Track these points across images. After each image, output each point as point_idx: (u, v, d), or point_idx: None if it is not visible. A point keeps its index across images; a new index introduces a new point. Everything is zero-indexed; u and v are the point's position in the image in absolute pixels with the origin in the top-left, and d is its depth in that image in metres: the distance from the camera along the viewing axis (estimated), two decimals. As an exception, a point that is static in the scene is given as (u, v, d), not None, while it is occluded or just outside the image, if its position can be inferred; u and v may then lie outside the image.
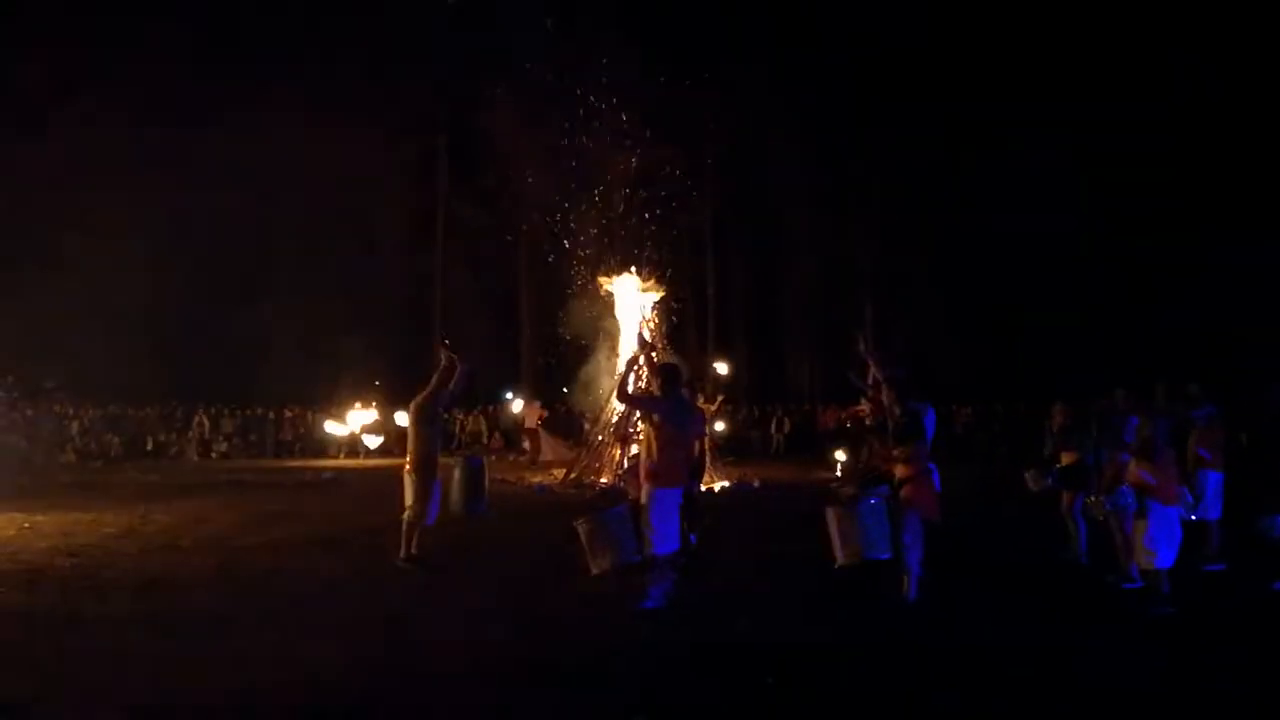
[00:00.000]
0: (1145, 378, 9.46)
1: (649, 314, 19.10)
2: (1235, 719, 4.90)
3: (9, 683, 5.35)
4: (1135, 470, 7.18)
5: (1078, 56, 30.82)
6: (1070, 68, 30.77)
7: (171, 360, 28.04)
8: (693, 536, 8.04)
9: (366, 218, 32.32)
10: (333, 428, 22.84)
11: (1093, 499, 7.79)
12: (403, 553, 8.80)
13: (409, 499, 8.78)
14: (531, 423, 23.46)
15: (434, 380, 9.03)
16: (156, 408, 27.02)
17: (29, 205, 27.69)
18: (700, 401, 15.29)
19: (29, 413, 23.31)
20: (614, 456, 17.55)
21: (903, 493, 6.99)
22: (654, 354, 17.81)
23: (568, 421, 25.77)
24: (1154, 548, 7.02)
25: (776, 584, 8.31)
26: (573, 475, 17.85)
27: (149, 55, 28.37)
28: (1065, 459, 9.18)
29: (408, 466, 8.86)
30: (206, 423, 26.93)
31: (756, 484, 17.52)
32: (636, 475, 7.29)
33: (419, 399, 9.00)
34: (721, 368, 21.73)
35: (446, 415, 25.99)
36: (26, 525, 11.48)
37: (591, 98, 18.96)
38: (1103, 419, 8.65)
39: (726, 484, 17.16)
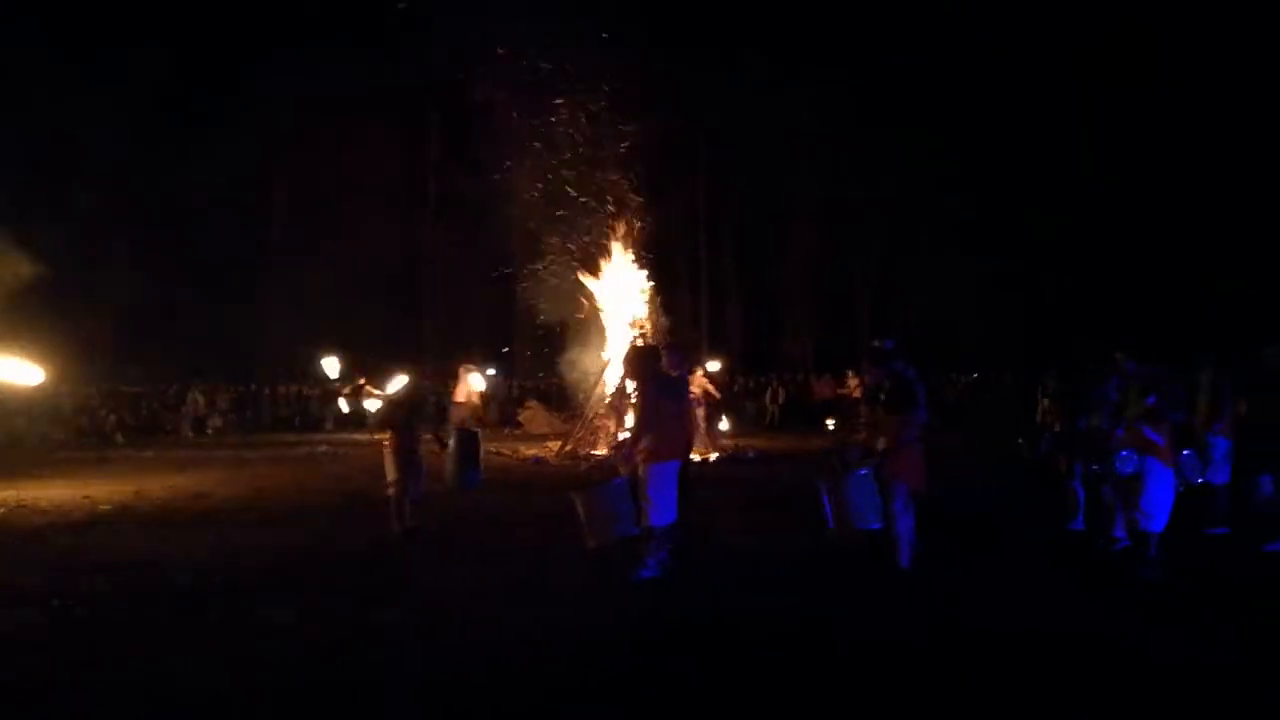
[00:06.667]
0: (1146, 342, 9.40)
1: (644, 285, 19.07)
2: (1221, 681, 4.92)
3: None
4: (1138, 430, 7.12)
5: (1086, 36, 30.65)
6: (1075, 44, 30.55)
7: (166, 337, 27.99)
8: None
9: (360, 192, 32.19)
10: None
11: (1096, 468, 7.76)
12: (395, 526, 8.89)
13: (389, 474, 8.97)
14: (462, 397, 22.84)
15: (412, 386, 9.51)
16: (151, 385, 26.94)
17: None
18: (699, 374, 15.36)
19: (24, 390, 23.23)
20: (608, 429, 17.55)
21: (887, 463, 7.01)
22: (642, 331, 17.93)
23: (560, 394, 25.74)
24: (1151, 510, 6.99)
25: (771, 553, 8.34)
26: (567, 448, 17.86)
27: (132, 35, 28.10)
28: (1058, 424, 9.18)
29: (386, 443, 9.07)
30: (201, 399, 26.84)
31: (751, 454, 17.53)
32: (628, 451, 7.28)
33: (401, 387, 9.30)
34: (714, 365, 21.99)
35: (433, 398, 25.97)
36: (21, 503, 11.47)
37: (575, 71, 18.80)
38: (1095, 383, 8.60)
39: (721, 454, 17.18)
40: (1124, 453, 7.20)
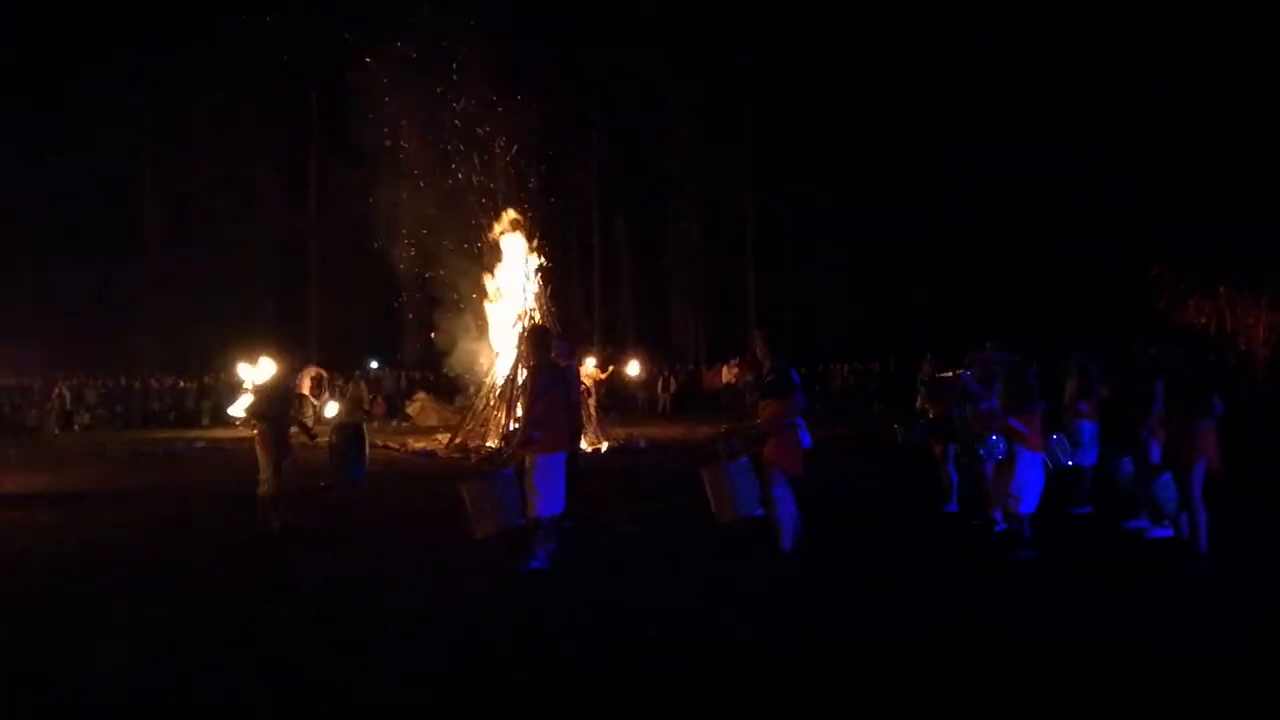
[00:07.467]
0: (1020, 332, 9.76)
1: (533, 276, 18.95)
2: (1090, 655, 5.18)
3: None
4: (1005, 418, 7.43)
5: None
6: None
7: (30, 328, 26.52)
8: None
9: (241, 179, 31.08)
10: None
11: (965, 460, 8.03)
12: (273, 523, 8.66)
13: (263, 470, 8.77)
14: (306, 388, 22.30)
15: (283, 376, 9.40)
16: (12, 379, 25.45)
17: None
18: (591, 368, 15.34)
19: None
20: (498, 420, 17.41)
21: (765, 450, 7.17)
22: (534, 315, 17.84)
23: (450, 386, 25.46)
24: (1020, 493, 7.28)
25: (658, 542, 8.41)
26: (457, 440, 17.64)
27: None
28: (933, 411, 9.49)
29: (258, 437, 8.86)
30: (67, 394, 25.49)
31: (643, 443, 17.65)
32: (516, 438, 7.27)
33: (269, 381, 9.12)
34: (633, 369, 22.46)
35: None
36: None
37: (462, 61, 18.54)
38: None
39: (612, 444, 17.23)
40: (992, 438, 7.51)
